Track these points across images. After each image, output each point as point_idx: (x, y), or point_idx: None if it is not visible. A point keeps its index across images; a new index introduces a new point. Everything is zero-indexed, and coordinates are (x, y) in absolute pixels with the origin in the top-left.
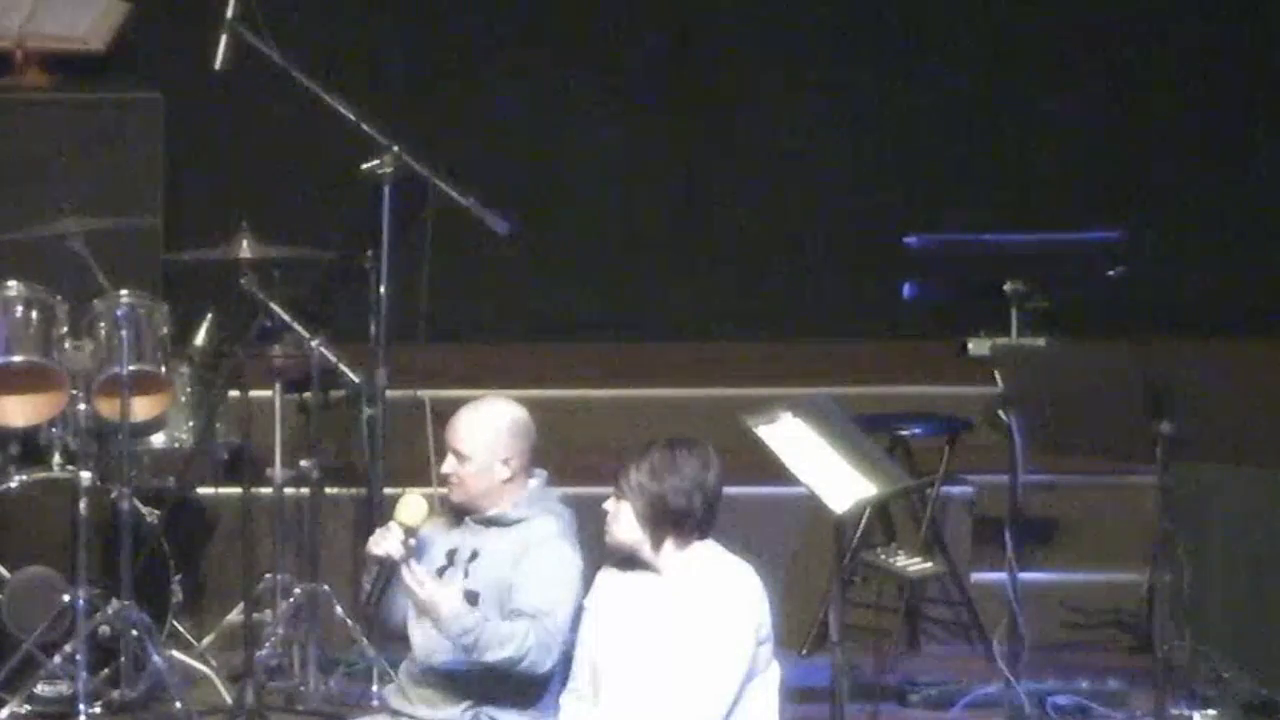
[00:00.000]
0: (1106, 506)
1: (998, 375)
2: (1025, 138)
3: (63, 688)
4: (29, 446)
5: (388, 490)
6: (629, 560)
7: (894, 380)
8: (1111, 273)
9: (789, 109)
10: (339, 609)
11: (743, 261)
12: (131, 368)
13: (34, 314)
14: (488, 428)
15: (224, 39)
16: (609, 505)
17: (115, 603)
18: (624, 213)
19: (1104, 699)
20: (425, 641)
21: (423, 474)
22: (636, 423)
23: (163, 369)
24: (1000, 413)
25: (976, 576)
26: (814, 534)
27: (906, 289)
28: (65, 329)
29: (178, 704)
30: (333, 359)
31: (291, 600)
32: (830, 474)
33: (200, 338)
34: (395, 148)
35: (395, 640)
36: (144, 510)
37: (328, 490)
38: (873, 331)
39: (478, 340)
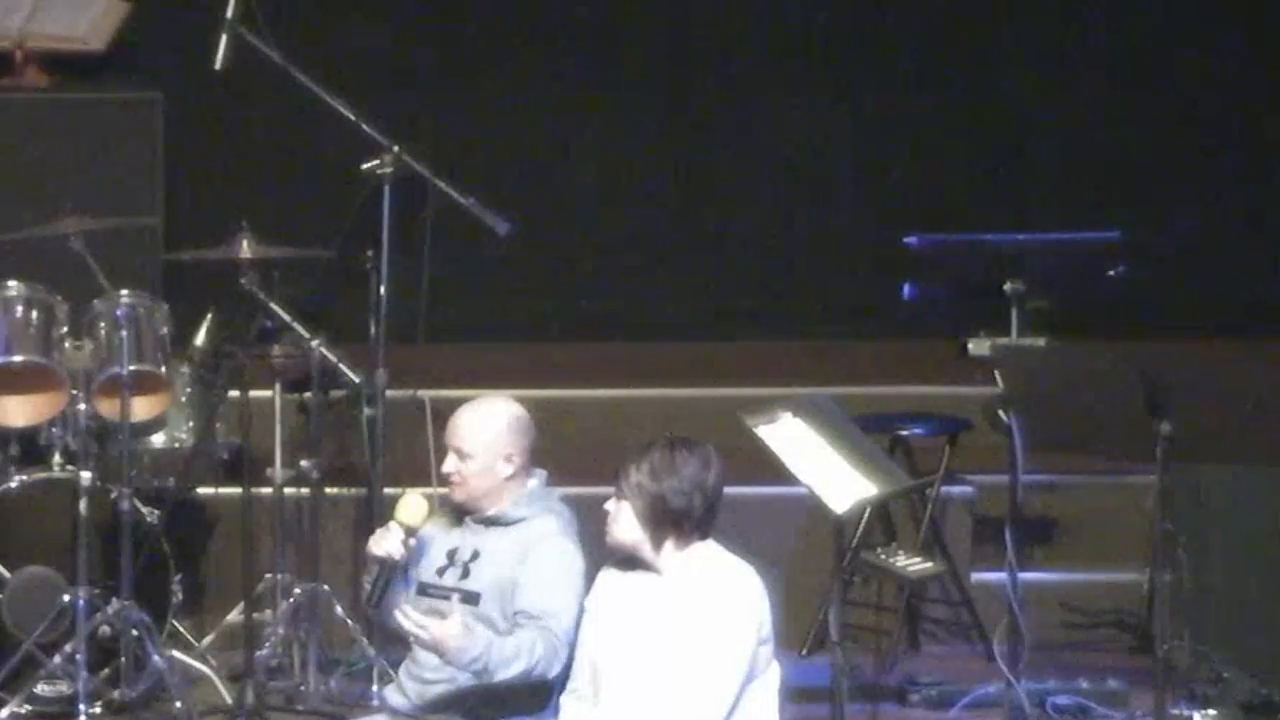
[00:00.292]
0: (1106, 506)
1: (998, 375)
2: (1025, 138)
3: (63, 688)
4: (29, 446)
5: (388, 490)
6: (629, 560)
7: (894, 380)
8: (1111, 273)
9: (789, 109)
10: (339, 609)
11: (743, 261)
12: (131, 368)
13: (34, 314)
14: (489, 425)
15: (224, 39)
16: (609, 505)
17: (115, 603)
18: (624, 213)
19: (1104, 699)
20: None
21: (423, 474)
22: (636, 423)
23: (163, 369)
24: (1000, 413)
25: (976, 576)
26: (814, 534)
27: (906, 289)
28: (65, 329)
29: (178, 704)
30: (333, 359)
31: (291, 600)
32: (830, 474)
33: (200, 338)
34: (395, 148)
35: (395, 640)
36: (144, 510)
37: (328, 490)
38: (873, 331)
39: (478, 340)
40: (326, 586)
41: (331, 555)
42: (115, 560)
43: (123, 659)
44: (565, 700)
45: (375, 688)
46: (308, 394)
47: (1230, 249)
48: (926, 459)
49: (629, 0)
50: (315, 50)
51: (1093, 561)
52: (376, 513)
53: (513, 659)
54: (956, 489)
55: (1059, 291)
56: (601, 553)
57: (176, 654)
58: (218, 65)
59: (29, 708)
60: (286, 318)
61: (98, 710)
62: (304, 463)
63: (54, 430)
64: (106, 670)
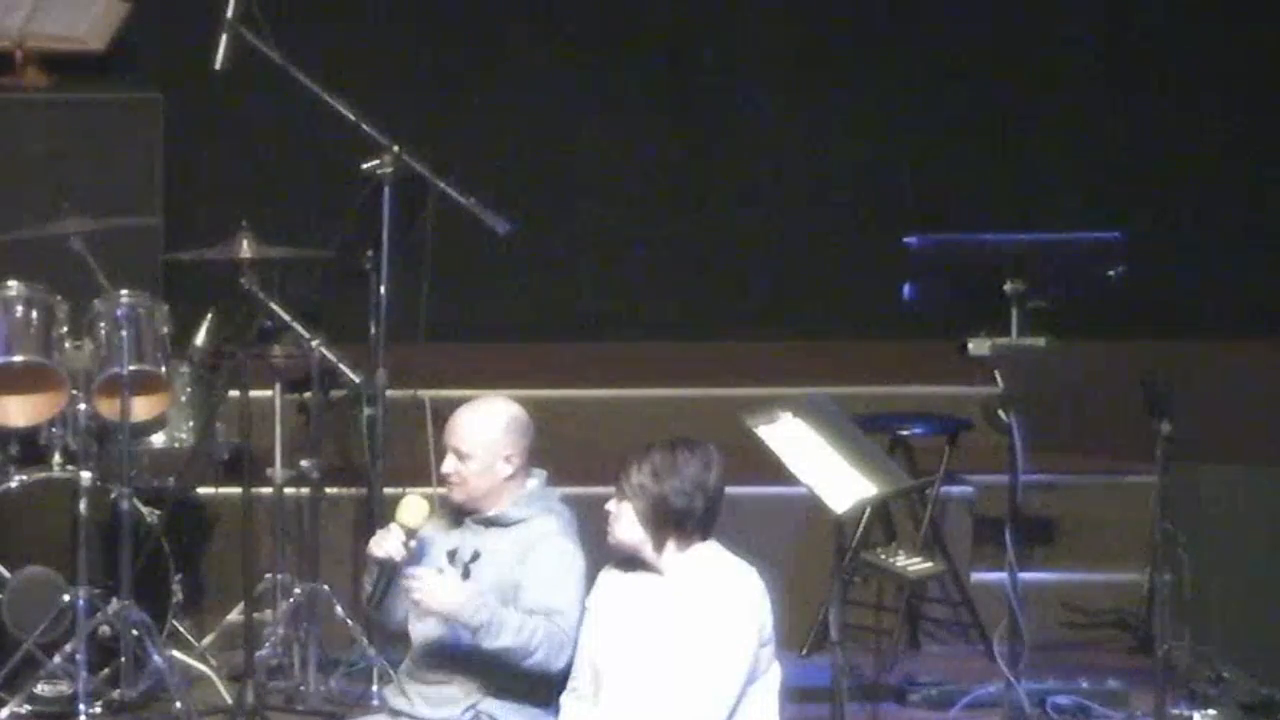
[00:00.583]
0: (1106, 506)
1: (998, 375)
2: (1025, 138)
3: (63, 688)
4: (29, 446)
5: (388, 490)
6: (630, 561)
7: (894, 380)
8: (1111, 273)
9: (789, 109)
10: (339, 609)
11: (743, 261)
12: (131, 368)
13: (34, 314)
14: (488, 426)
15: (224, 39)
16: (611, 506)
17: (115, 603)
18: (624, 213)
19: (1104, 699)
20: (428, 629)
21: (423, 474)
22: (636, 423)
23: (163, 369)
24: (1000, 413)
25: (976, 576)
26: (814, 534)
27: (906, 289)
28: (65, 329)
29: (178, 704)
30: (333, 359)
31: (291, 600)
32: (830, 474)
33: (200, 338)
34: (395, 148)
35: (395, 640)
36: (144, 510)
37: (328, 490)
38: (873, 331)
39: (478, 340)
40: (326, 586)
41: (331, 555)
42: (115, 560)
43: (123, 659)
44: (566, 700)
45: (375, 688)
46: (308, 394)
47: (1230, 249)
48: (926, 459)
49: (630, 1)
50: (315, 50)
51: (1093, 561)
52: (376, 513)
53: (518, 628)
54: (956, 489)
55: (1059, 291)
56: (602, 553)
57: (176, 654)
58: (218, 65)
59: (29, 708)
60: (286, 318)
61: (98, 710)
62: (304, 463)
63: (54, 430)
64: (106, 670)
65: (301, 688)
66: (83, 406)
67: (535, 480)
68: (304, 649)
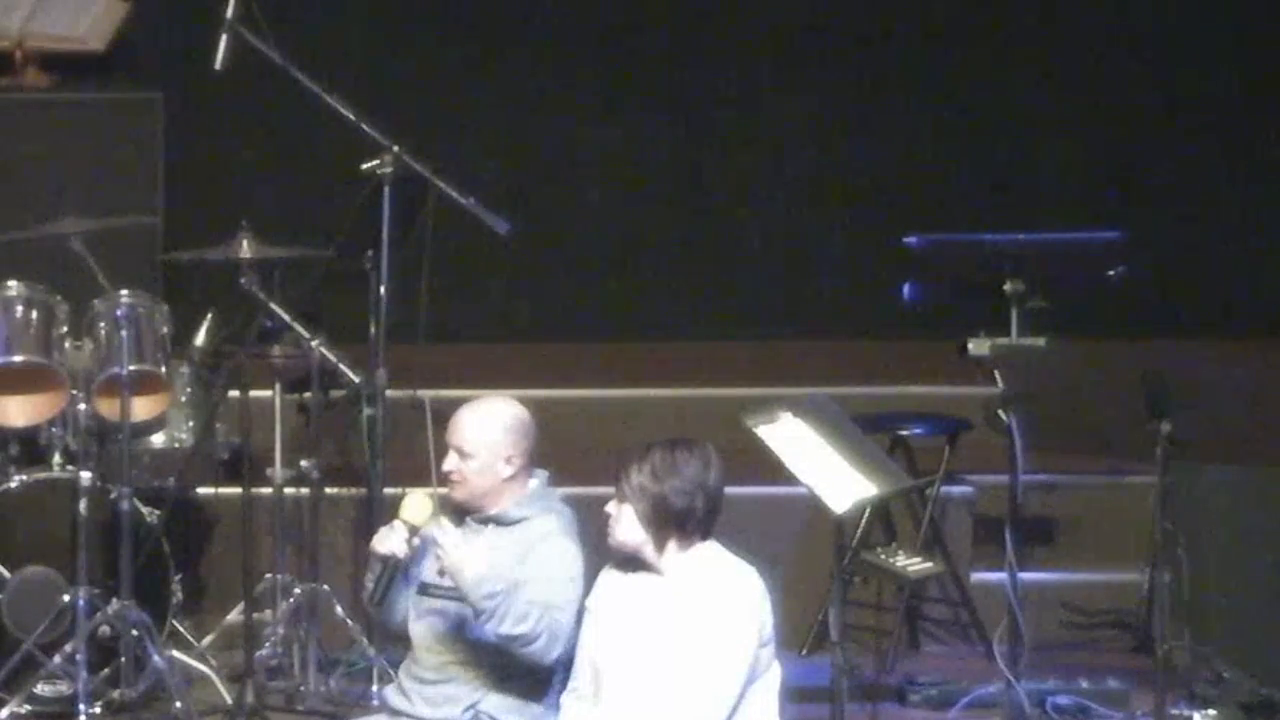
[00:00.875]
0: (1106, 506)
1: (998, 375)
2: (1025, 138)
3: (63, 688)
4: (29, 446)
5: (388, 490)
6: (631, 561)
7: (894, 380)
8: (1111, 273)
9: (789, 109)
10: (339, 609)
11: (743, 261)
12: (131, 368)
13: (34, 314)
14: (490, 425)
15: (224, 39)
16: (611, 508)
17: (115, 603)
18: (624, 213)
19: (1104, 699)
20: (434, 630)
21: (423, 474)
22: (636, 423)
23: (163, 369)
24: (1000, 413)
25: (976, 576)
26: (814, 534)
27: (906, 289)
28: (65, 329)
29: (178, 704)
30: (333, 359)
31: (291, 600)
32: (830, 474)
33: (200, 338)
34: (395, 148)
35: (395, 640)
36: (144, 510)
37: (328, 490)
38: (873, 331)
39: (478, 340)
40: (326, 586)
41: (331, 555)
42: (115, 560)
43: (123, 659)
44: (566, 700)
45: (375, 688)
46: (308, 394)
47: (1230, 249)
48: (926, 459)
49: (630, 1)
50: (315, 50)
51: (1093, 561)
52: (376, 513)
53: (523, 617)
54: (956, 489)
55: (1059, 291)
56: (602, 553)
57: (176, 654)
58: (218, 65)
59: (29, 708)
60: (286, 318)
61: (98, 710)
62: (304, 463)
63: (54, 430)
64: (106, 670)
65: (301, 688)
66: (83, 406)
67: (537, 480)
68: (304, 649)
